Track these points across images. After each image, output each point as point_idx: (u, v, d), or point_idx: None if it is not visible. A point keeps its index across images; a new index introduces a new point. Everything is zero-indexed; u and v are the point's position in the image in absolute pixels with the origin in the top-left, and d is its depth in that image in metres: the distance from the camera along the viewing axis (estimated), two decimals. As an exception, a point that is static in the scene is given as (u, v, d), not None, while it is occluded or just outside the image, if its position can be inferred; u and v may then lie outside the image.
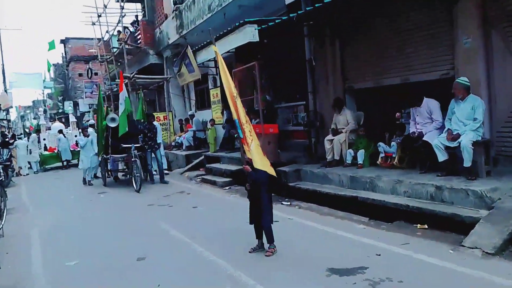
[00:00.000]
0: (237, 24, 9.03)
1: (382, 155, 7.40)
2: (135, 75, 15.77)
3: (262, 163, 4.79)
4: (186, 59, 12.13)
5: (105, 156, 11.47)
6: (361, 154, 7.63)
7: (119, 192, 10.47)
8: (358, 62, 8.72)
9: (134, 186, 10.16)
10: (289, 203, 7.54)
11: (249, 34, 8.70)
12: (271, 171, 4.88)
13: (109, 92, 20.15)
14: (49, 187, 12.87)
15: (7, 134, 22.60)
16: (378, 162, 7.43)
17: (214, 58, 12.53)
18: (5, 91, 27.62)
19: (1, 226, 7.01)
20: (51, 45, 29.91)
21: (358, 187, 6.92)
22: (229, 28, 9.45)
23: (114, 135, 10.93)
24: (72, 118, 20.70)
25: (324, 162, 8.29)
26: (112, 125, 10.84)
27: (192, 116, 14.92)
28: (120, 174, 12.40)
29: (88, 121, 18.00)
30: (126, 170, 11.82)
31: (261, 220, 4.82)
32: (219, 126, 13.45)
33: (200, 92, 16.51)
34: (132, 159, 10.29)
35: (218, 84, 14.19)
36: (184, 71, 12.73)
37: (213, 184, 10.27)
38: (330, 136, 8.26)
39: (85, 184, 12.23)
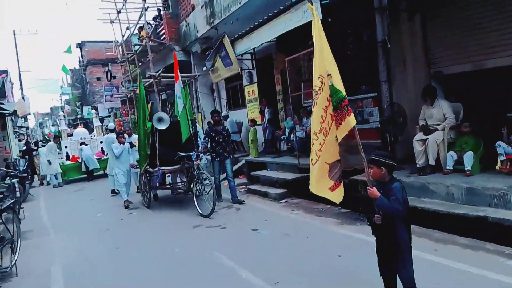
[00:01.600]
0: (292, 0, 7.36)
1: (502, 157, 5.61)
2: (161, 74, 14.22)
3: (318, 186, 3.68)
4: (222, 50, 10.50)
5: (150, 169, 8.77)
6: (469, 157, 5.87)
7: (152, 210, 8.88)
8: (447, 40, 6.96)
9: (198, 208, 7.58)
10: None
11: (309, 11, 7.01)
12: (330, 196, 3.61)
13: (131, 94, 18.73)
14: (72, 202, 11.27)
15: (30, 141, 21.38)
16: (497, 167, 5.65)
17: (254, 48, 10.97)
18: (22, 97, 26.50)
19: (13, 262, 5.49)
20: (68, 50, 28.85)
21: (480, 203, 5.17)
22: (281, 8, 7.78)
23: (163, 140, 8.51)
24: (96, 122, 19.15)
25: (414, 169, 6.57)
26: (161, 127, 8.38)
27: (226, 117, 13.28)
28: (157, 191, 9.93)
29: (106, 126, 16.02)
30: (177, 186, 9.05)
31: (397, 268, 3.14)
32: (258, 127, 11.81)
33: (232, 90, 14.88)
34: (197, 172, 7.79)
35: (255, 79, 12.57)
36: (219, 66, 11.10)
37: (263, 196, 8.62)
38: (420, 135, 6.52)
39: (113, 195, 10.87)
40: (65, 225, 8.25)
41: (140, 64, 17.42)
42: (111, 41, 20.81)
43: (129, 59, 18.15)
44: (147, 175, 8.88)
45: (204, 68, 13.61)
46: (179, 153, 8.20)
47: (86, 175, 15.42)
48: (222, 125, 8.79)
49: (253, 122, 11.55)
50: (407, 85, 7.48)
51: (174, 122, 8.61)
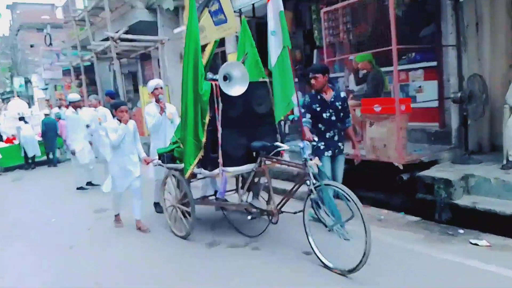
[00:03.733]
0: None
1: None
2: (121, 36, 11.54)
3: None
4: (214, 2, 8.13)
5: (203, 170, 4.57)
6: None
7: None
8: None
9: (320, 256, 3.85)
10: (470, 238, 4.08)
11: None
12: None
13: (79, 63, 15.70)
14: (13, 199, 8.36)
15: None
16: None
17: (254, 4, 8.76)
18: None
19: None
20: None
21: None
22: None
23: (230, 119, 4.43)
24: (39, 94, 15.64)
25: (506, 164, 4.91)
26: (234, 91, 4.35)
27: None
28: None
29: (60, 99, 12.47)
30: (245, 202, 4.78)
31: None
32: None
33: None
34: (317, 184, 3.83)
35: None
36: (206, 24, 8.64)
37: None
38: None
39: (82, 188, 8.08)
40: (8, 236, 5.72)
41: (92, 25, 14.45)
42: (49, 4, 17.48)
43: (76, 18, 15.07)
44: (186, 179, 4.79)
45: (179, 29, 11.15)
46: (259, 142, 4.44)
47: (26, 162, 11.96)
48: (333, 89, 4.76)
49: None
50: (482, 52, 5.73)
51: (253, 85, 4.56)
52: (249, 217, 4.52)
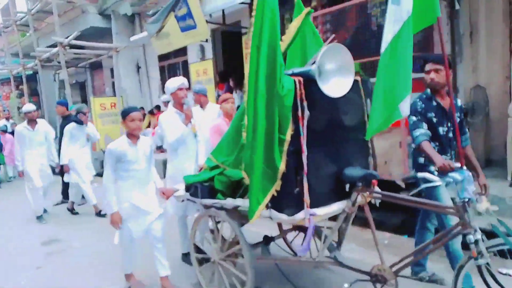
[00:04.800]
0: None
1: None
2: (71, 43, 10.43)
3: None
4: (182, 6, 7.40)
5: (274, 212, 2.86)
6: None
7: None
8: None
9: None
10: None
11: None
12: None
13: (20, 71, 14.21)
14: None
15: None
16: None
17: (224, 10, 8.09)
18: None
19: None
20: None
21: None
22: None
23: (318, 134, 2.92)
24: None
25: (504, 176, 4.55)
26: (335, 92, 2.84)
27: (167, 103, 10.11)
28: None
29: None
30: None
31: None
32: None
33: (169, 70, 11.66)
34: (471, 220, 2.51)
35: (209, 55, 9.67)
36: (171, 30, 7.91)
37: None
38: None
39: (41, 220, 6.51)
40: None
41: (35, 30, 13.09)
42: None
43: (18, 23, 13.65)
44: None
45: (136, 37, 10.27)
46: (356, 169, 3.04)
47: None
48: (449, 94, 3.13)
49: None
50: (477, 62, 5.43)
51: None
52: (346, 285, 2.91)
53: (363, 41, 6.33)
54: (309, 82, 2.79)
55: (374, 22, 6.68)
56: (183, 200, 3.74)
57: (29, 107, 6.48)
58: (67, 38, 10.33)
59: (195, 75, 10.09)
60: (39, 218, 6.52)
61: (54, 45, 12.10)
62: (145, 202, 3.61)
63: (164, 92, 11.44)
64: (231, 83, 8.85)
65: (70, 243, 5.36)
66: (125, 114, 3.55)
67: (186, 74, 10.68)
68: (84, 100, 16.23)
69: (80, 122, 6.36)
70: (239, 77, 8.73)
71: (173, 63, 11.28)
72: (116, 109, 12.04)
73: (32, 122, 6.45)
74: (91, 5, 11.74)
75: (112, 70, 13.40)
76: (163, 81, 11.79)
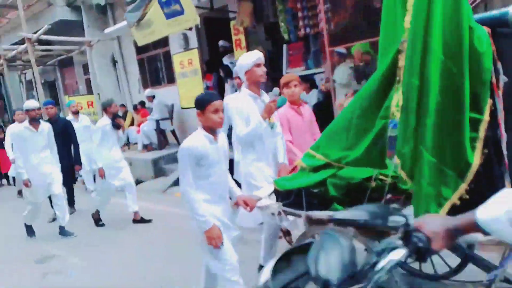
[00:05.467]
0: None
1: None
2: (41, 37, 9.57)
3: None
4: (167, -9, 6.76)
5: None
6: None
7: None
8: None
9: None
10: None
11: None
12: None
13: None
14: None
15: None
16: None
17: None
18: None
19: None
20: None
21: None
22: None
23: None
24: None
25: None
26: None
27: (152, 97, 9.46)
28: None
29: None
30: None
31: None
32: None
33: (149, 62, 10.93)
34: None
35: (194, 44, 9.06)
36: (154, 17, 7.25)
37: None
38: None
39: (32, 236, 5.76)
40: None
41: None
42: None
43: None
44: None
45: (111, 29, 9.53)
46: None
47: None
48: None
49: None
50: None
51: None
52: None
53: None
54: (498, 35, 2.02)
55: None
56: (273, 213, 2.62)
57: (31, 103, 5.40)
58: (35, 33, 9.46)
59: (179, 67, 9.50)
60: (30, 233, 5.77)
61: (19, 43, 11.17)
62: (228, 215, 2.69)
63: (144, 88, 10.80)
64: (221, 73, 8.30)
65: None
66: (205, 102, 2.51)
67: (169, 66, 10.06)
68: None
69: (117, 127, 5.63)
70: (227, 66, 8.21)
71: (153, 55, 10.58)
72: (94, 108, 11.28)
73: (34, 121, 5.42)
74: (58, -5, 10.83)
75: (84, 67, 12.57)
76: (143, 75, 11.09)
